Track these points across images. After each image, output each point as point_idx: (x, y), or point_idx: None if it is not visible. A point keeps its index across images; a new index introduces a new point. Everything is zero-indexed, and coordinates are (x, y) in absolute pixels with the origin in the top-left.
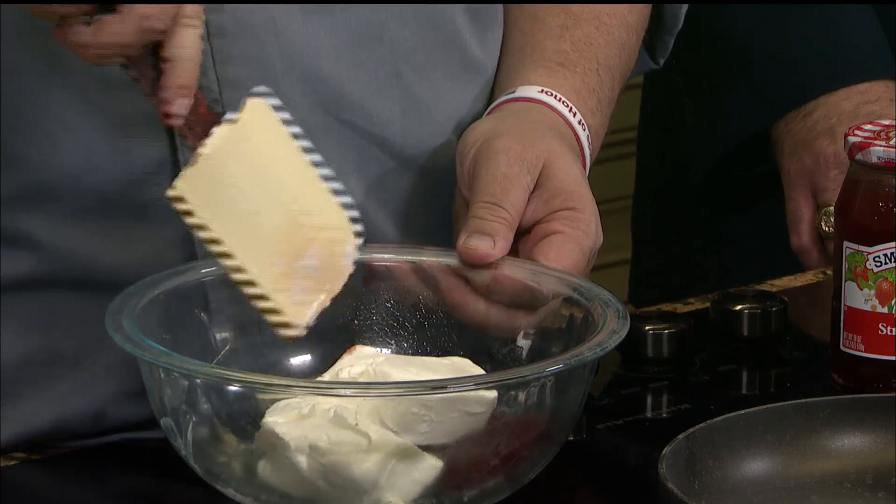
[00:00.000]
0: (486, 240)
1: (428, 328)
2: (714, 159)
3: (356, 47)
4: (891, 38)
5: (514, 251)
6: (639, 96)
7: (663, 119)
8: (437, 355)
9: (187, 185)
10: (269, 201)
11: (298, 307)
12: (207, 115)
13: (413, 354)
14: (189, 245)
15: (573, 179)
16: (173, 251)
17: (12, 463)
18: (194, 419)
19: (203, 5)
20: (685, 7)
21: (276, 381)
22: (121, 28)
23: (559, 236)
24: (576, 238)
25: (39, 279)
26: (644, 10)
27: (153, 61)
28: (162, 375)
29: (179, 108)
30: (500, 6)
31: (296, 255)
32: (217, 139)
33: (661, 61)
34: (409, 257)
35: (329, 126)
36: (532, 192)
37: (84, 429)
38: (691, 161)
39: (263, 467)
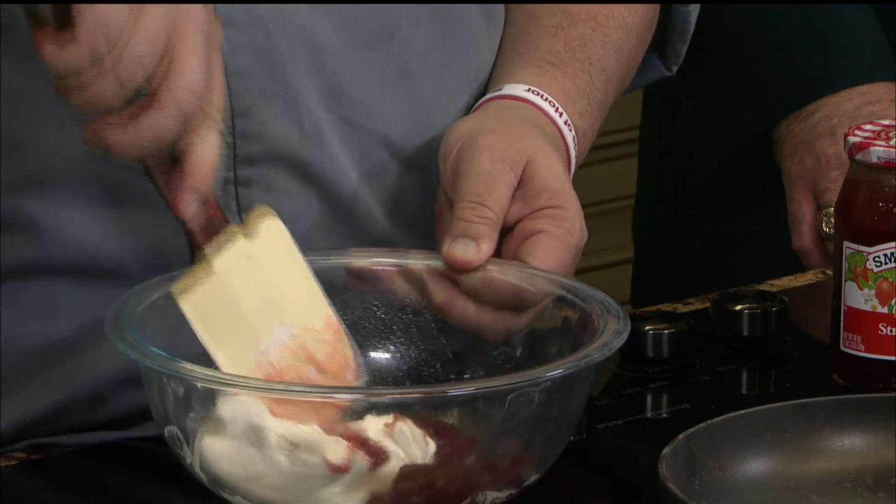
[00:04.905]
0: (471, 245)
1: (416, 331)
2: (715, 160)
3: (363, 44)
4: (891, 39)
5: (497, 249)
6: (640, 96)
7: (664, 120)
8: (425, 358)
9: (189, 303)
10: (266, 323)
11: None
12: (216, 214)
13: (401, 358)
14: None
15: (556, 177)
16: (175, 239)
17: (12, 463)
18: (202, 427)
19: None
20: (695, 14)
21: (276, 385)
22: (161, 119)
23: (544, 235)
24: (560, 237)
25: (41, 265)
26: (647, 12)
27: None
28: (167, 383)
29: (190, 206)
30: (505, 8)
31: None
32: (227, 257)
33: (675, 68)
34: (396, 260)
35: (331, 120)
36: (515, 190)
37: (83, 416)
38: (692, 162)
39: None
